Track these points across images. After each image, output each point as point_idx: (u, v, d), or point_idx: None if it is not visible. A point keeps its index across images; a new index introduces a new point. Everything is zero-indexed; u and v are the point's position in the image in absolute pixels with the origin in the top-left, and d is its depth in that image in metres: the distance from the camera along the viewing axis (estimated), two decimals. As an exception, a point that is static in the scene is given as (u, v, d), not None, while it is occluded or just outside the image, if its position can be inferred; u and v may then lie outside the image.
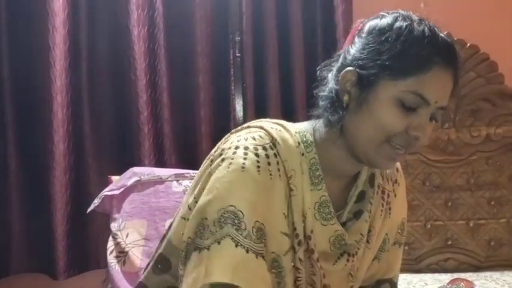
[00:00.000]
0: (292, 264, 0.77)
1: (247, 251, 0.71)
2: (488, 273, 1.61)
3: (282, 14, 1.82)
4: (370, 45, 0.75)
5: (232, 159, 0.75)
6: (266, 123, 0.82)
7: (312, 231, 0.78)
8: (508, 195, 1.71)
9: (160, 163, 1.76)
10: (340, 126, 0.78)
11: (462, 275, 1.55)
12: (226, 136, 0.84)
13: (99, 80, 1.78)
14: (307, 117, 0.86)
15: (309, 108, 0.84)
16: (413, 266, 1.70)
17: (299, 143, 0.80)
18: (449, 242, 1.70)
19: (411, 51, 0.73)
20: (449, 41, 0.75)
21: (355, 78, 0.76)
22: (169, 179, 1.44)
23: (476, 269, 1.69)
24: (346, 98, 0.77)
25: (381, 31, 0.75)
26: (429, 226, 1.70)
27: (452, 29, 1.72)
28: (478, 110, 1.71)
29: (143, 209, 1.40)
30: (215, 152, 0.80)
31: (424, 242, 1.71)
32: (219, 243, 0.71)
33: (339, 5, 1.81)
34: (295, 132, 0.81)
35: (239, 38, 1.81)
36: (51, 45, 1.69)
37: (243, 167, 0.74)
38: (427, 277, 1.60)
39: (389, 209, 0.89)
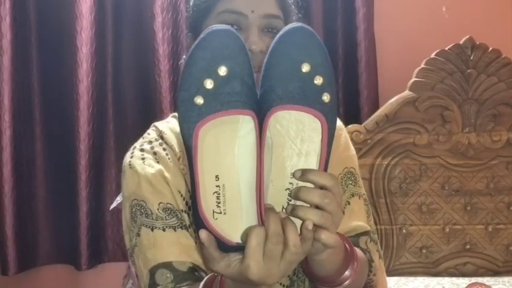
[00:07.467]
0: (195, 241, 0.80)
1: (163, 230, 0.77)
2: (506, 278, 1.60)
3: (302, 17, 1.84)
4: (189, 5, 0.86)
5: (124, 163, 0.85)
6: (162, 121, 0.92)
7: None
8: (528, 200, 1.70)
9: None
10: None
11: (480, 280, 1.55)
12: None
13: (124, 80, 1.83)
14: None
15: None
16: (431, 269, 1.70)
17: None
18: (468, 246, 1.70)
19: None
20: None
21: (189, 40, 0.85)
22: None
23: (495, 273, 1.68)
24: None
25: None
26: (448, 230, 1.70)
27: (474, 33, 1.73)
28: (499, 115, 1.70)
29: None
30: None
31: (442, 245, 1.71)
32: (138, 235, 0.79)
33: (360, 8, 1.80)
34: None
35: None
36: (79, 46, 1.75)
37: (129, 164, 0.83)
38: (445, 281, 1.60)
39: None
